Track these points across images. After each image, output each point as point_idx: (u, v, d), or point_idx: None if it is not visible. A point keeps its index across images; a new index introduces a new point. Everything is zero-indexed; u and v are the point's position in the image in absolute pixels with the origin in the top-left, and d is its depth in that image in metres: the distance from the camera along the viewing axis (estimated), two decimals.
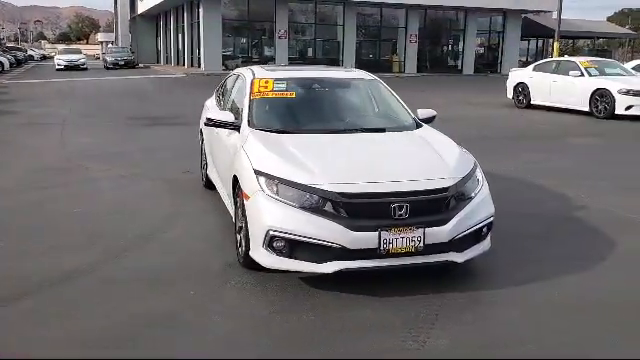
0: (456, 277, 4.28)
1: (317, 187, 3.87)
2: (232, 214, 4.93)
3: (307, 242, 3.83)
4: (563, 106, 15.91)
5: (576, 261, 4.67)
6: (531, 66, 18.01)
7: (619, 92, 14.46)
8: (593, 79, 15.32)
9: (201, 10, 30.71)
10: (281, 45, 31.89)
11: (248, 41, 33.26)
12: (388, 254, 3.84)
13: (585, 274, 4.44)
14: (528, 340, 3.44)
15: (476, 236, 4.16)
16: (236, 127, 4.94)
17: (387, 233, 3.79)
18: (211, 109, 6.51)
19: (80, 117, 13.65)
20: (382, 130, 4.95)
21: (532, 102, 16.88)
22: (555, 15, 41.25)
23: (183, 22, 35.71)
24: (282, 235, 3.86)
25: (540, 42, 46.67)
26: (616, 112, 14.46)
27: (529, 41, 46.14)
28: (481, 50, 38.07)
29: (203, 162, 6.92)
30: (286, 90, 5.24)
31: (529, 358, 3.19)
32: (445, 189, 4.01)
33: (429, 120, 5.36)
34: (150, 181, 7.29)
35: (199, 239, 5.14)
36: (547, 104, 16.41)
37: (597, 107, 14.95)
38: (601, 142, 11.33)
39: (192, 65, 34.42)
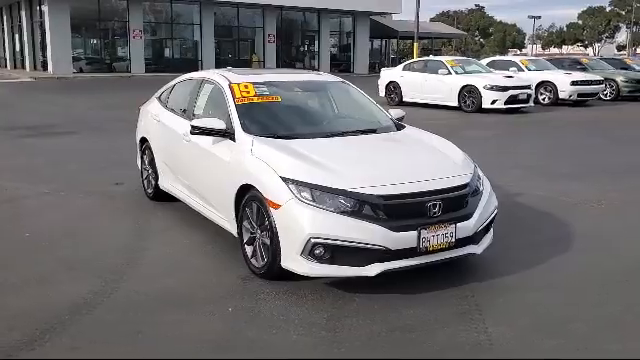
0: (464, 268, 4.53)
1: (356, 191, 3.89)
2: (228, 226, 4.75)
3: (349, 247, 3.84)
4: (434, 102, 17.14)
5: (548, 246, 5.11)
6: (401, 66, 19.15)
7: (485, 88, 15.94)
8: (460, 77, 16.71)
9: (45, 8, 28.26)
10: (136, 45, 30.44)
11: (99, 42, 31.26)
12: (426, 251, 3.97)
13: (564, 256, 4.88)
14: (573, 319, 3.76)
15: (487, 228, 4.45)
16: (228, 134, 4.75)
17: (425, 231, 3.93)
18: (162, 115, 6.14)
19: None
20: (374, 131, 5.06)
21: (404, 99, 17.96)
22: (395, 17, 44.18)
23: (20, 21, 32.55)
24: (324, 242, 3.83)
25: (383, 42, 49.36)
26: (483, 106, 15.92)
27: (372, 42, 48.70)
28: (334, 50, 39.46)
29: (147, 173, 6.52)
30: (270, 94, 5.14)
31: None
32: (466, 185, 4.24)
33: (401, 120, 5.58)
34: (83, 197, 6.69)
35: (189, 255, 4.87)
36: (418, 101, 17.57)
37: (465, 102, 16.33)
38: (487, 134, 12.40)
39: (36, 68, 31.50)
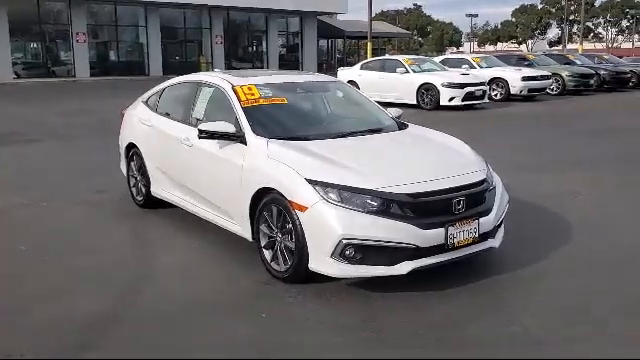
0: (478, 263, 4.61)
1: (384, 190, 3.90)
2: (239, 231, 4.68)
3: (379, 246, 3.85)
4: (393, 101, 17.29)
5: (545, 237, 5.28)
6: (358, 65, 19.32)
7: (442, 85, 16.27)
8: (417, 75, 17.01)
9: None
10: (80, 49, 29.47)
11: (40, 45, 30.05)
12: (453, 248, 4.04)
13: (562, 245, 5.04)
14: (592, 305, 3.91)
15: (500, 222, 4.55)
16: (238, 138, 4.68)
17: (452, 228, 3.99)
18: (154, 120, 5.98)
19: None
20: (379, 130, 5.09)
21: None
22: (339, 17, 44.49)
23: None
24: (356, 242, 3.83)
25: (328, 42, 49.60)
26: (441, 103, 16.26)
27: (318, 41, 48.89)
28: (283, 50, 39.42)
29: (136, 180, 6.33)
30: (274, 96, 5.10)
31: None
32: (483, 181, 4.34)
33: (399, 118, 5.63)
34: (68, 207, 6.42)
35: (199, 262, 4.77)
36: (377, 99, 17.59)
37: (424, 100, 16.64)
38: (448, 130, 12.57)
39: None
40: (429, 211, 3.96)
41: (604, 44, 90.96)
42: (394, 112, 5.63)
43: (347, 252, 3.86)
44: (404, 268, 3.91)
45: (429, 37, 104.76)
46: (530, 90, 18.96)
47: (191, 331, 3.56)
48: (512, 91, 18.80)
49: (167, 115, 5.87)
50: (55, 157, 9.48)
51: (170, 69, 31.66)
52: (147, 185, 6.08)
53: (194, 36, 34.86)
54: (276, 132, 4.68)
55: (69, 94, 21.71)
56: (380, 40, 67.93)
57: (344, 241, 3.82)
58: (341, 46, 50.05)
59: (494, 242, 4.39)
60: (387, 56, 20.06)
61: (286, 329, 3.60)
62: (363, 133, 4.94)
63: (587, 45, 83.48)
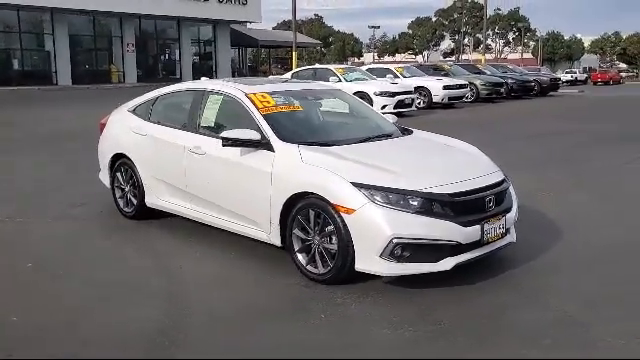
0: (489, 258, 4.89)
1: (427, 191, 4.11)
2: (264, 237, 4.73)
3: (426, 244, 4.06)
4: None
5: (551, 232, 5.65)
6: (289, 73, 19.48)
7: (375, 94, 16.81)
8: (351, 84, 17.44)
9: None
10: None
11: None
12: (487, 243, 4.32)
13: (571, 239, 5.45)
14: (614, 290, 4.32)
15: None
16: (263, 145, 4.71)
17: (487, 224, 4.27)
18: (149, 129, 5.83)
19: None
20: (390, 135, 5.29)
21: None
22: (249, 26, 44.54)
23: None
24: (405, 241, 4.00)
25: (240, 51, 49.49)
26: None
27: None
28: (196, 59, 38.84)
29: (124, 191, 6.13)
30: (289, 103, 5.17)
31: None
32: (504, 180, 4.66)
33: (395, 124, 5.88)
34: (50, 222, 6.11)
35: (229, 269, 4.77)
36: None
37: None
38: None
39: None
40: (467, 209, 4.22)
41: (492, 55, 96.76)
42: (391, 118, 5.86)
43: (396, 251, 4.02)
44: (448, 264, 4.13)
45: (331, 47, 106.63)
46: (450, 98, 20.04)
47: (251, 336, 3.60)
48: (434, 99, 19.76)
49: (165, 124, 5.75)
50: (7, 173, 8.88)
51: (80, 78, 30.43)
52: (139, 195, 5.92)
53: (104, 44, 33.60)
54: (302, 138, 4.76)
55: None
56: (283, 50, 68.54)
57: (395, 240, 3.98)
58: (251, 55, 50.04)
59: (512, 237, 4.73)
60: (317, 65, 20.37)
61: (354, 328, 3.71)
62: (379, 138, 5.13)
63: (478, 56, 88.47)
